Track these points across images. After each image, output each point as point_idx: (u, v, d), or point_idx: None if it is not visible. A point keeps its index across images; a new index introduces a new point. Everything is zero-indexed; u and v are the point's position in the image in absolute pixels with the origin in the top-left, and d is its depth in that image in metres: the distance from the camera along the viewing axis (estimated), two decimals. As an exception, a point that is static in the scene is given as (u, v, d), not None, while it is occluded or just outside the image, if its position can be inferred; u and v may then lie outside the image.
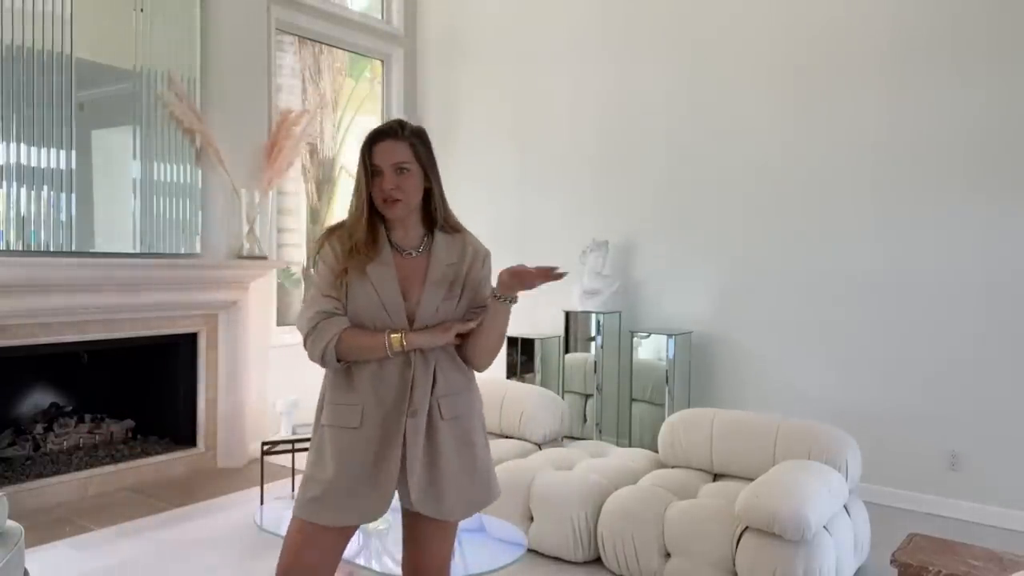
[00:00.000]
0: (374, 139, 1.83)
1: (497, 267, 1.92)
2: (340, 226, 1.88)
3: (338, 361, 1.81)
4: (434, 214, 1.89)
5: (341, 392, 1.85)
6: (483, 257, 1.94)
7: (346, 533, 1.86)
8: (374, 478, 1.79)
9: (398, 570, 2.12)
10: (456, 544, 2.80)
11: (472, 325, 1.85)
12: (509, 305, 1.84)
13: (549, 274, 1.76)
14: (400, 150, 1.81)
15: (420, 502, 1.81)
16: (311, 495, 1.80)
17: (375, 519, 1.84)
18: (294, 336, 5.16)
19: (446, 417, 1.84)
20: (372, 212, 1.84)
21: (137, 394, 4.80)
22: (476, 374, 1.96)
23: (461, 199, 6.04)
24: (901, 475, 4.10)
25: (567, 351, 5.13)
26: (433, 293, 1.85)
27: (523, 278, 1.78)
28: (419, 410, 1.80)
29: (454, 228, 1.93)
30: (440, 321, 1.85)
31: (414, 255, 1.87)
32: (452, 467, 1.83)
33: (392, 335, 1.79)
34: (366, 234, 1.82)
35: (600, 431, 4.95)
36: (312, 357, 1.83)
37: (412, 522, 1.91)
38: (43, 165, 3.87)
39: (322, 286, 1.84)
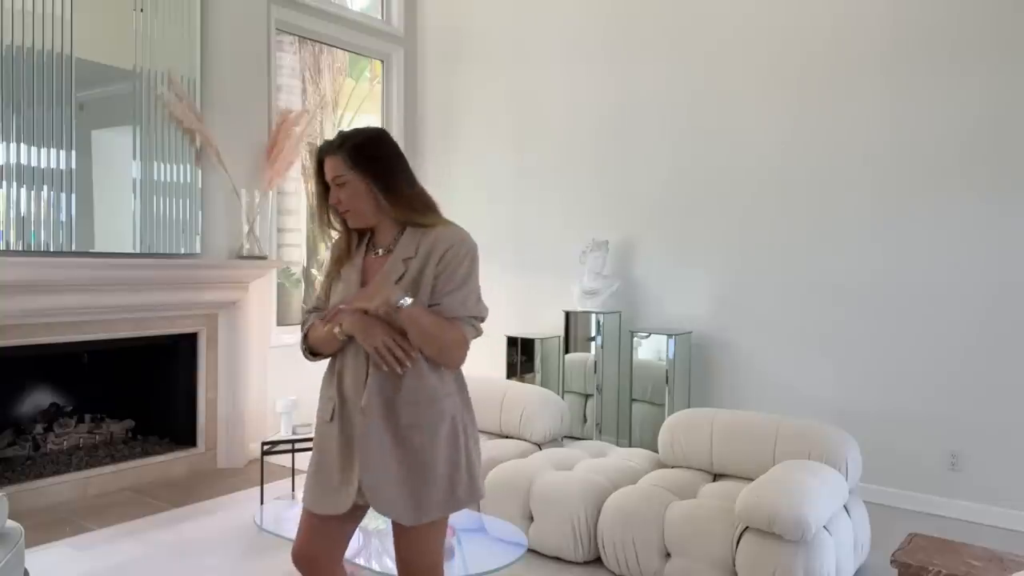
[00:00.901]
0: (319, 159, 1.91)
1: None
2: None
3: (312, 353, 1.96)
4: (394, 214, 1.88)
5: (325, 385, 1.96)
6: (445, 248, 1.83)
7: (343, 521, 1.90)
8: (342, 472, 1.85)
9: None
10: (456, 544, 2.81)
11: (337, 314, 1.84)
12: (401, 310, 1.77)
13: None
14: (334, 164, 1.87)
15: (372, 501, 1.83)
16: (306, 484, 1.94)
17: (343, 511, 1.85)
18: (294, 336, 5.19)
19: (404, 423, 1.81)
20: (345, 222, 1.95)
21: (137, 394, 4.80)
22: (467, 383, 1.95)
23: (460, 198, 6.09)
24: (901, 475, 4.10)
25: (567, 351, 5.13)
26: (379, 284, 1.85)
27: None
28: (370, 410, 1.81)
29: (427, 223, 1.88)
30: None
31: (380, 254, 1.92)
32: (403, 472, 1.81)
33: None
34: (344, 242, 1.96)
35: (600, 431, 4.95)
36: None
37: (393, 521, 1.91)
38: (43, 165, 3.88)
39: (318, 289, 2.05)
